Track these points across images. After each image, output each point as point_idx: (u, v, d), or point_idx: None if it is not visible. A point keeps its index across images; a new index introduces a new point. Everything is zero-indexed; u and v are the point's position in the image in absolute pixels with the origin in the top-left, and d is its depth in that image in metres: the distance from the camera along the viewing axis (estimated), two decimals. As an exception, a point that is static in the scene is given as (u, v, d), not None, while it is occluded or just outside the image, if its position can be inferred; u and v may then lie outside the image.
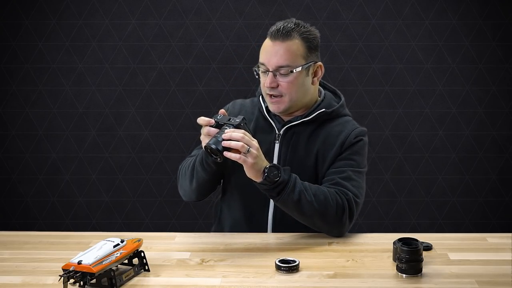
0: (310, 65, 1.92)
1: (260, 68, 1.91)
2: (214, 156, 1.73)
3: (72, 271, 1.42)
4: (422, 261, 1.56)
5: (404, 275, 1.55)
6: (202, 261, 1.66)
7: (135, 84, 3.33)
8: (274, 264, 1.60)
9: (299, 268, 1.59)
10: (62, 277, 1.41)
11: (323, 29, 3.24)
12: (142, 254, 1.59)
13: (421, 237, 1.67)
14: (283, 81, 1.88)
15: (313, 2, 3.25)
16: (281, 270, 1.58)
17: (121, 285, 1.51)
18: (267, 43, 1.90)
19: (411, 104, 3.33)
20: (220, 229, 2.04)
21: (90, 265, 1.42)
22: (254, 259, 1.68)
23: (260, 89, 2.02)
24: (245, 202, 1.95)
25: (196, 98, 3.33)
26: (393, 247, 1.64)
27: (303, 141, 1.93)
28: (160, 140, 3.37)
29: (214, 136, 1.72)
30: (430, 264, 1.62)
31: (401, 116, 3.34)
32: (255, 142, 1.73)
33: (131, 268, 1.56)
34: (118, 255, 1.50)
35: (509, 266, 1.61)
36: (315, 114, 1.94)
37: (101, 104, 3.35)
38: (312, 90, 1.96)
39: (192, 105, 3.33)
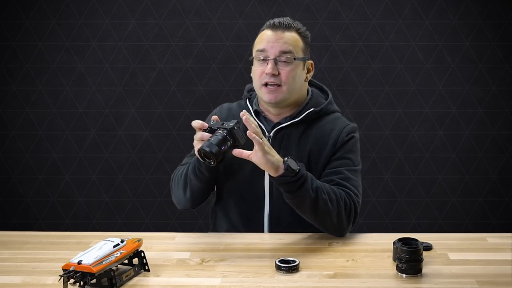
0: (306, 59, 1.93)
1: (258, 56, 1.89)
2: (208, 160, 1.71)
3: (72, 271, 1.42)
4: (422, 261, 1.55)
5: (404, 275, 1.55)
6: (202, 261, 1.66)
7: (135, 84, 3.33)
8: (274, 264, 1.60)
9: (299, 268, 1.59)
10: (62, 277, 1.41)
11: (323, 29, 3.26)
12: (142, 254, 1.59)
13: (421, 237, 1.67)
14: (284, 69, 1.87)
15: (313, 2, 3.25)
16: (281, 270, 1.58)
17: (121, 285, 1.50)
18: (268, 32, 1.91)
19: (411, 104, 3.33)
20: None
21: (90, 265, 1.42)
22: (254, 259, 1.68)
23: (246, 92, 2.02)
24: (241, 206, 1.94)
25: (196, 98, 3.33)
26: (393, 247, 1.64)
27: (294, 142, 1.92)
28: (160, 140, 3.37)
29: (207, 140, 1.71)
30: (430, 264, 1.62)
31: (401, 116, 3.34)
32: (265, 138, 1.73)
33: (131, 268, 1.55)
34: (118, 255, 1.50)
35: (509, 266, 1.61)
36: (304, 114, 1.93)
37: (101, 104, 3.35)
38: (304, 86, 1.97)
39: (192, 105, 3.33)
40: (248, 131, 1.67)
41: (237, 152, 1.72)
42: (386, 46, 3.29)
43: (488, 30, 3.26)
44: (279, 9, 3.24)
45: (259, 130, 1.70)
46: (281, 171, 1.69)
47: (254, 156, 1.69)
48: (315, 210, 1.76)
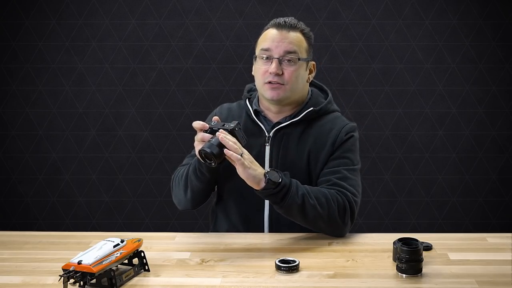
0: (309, 60, 1.93)
1: (262, 55, 1.89)
2: (208, 161, 1.72)
3: (72, 271, 1.42)
4: (422, 261, 1.55)
5: (404, 275, 1.55)
6: (202, 261, 1.66)
7: (135, 84, 3.33)
8: (274, 264, 1.60)
9: (299, 268, 1.59)
10: (62, 277, 1.41)
11: (323, 29, 3.26)
12: (142, 254, 1.59)
13: (421, 237, 1.67)
14: (288, 69, 1.87)
15: (313, 2, 3.25)
16: (281, 270, 1.58)
17: (121, 285, 1.51)
18: (272, 31, 1.90)
19: (411, 104, 3.33)
20: None
21: (90, 265, 1.42)
22: (254, 259, 1.68)
23: (246, 92, 2.02)
24: (241, 207, 1.94)
25: (196, 98, 3.33)
26: (393, 247, 1.64)
27: (293, 142, 1.93)
28: (160, 140, 3.37)
29: (208, 141, 1.72)
30: (430, 264, 1.62)
31: (401, 116, 3.34)
32: (246, 151, 1.74)
33: (131, 268, 1.55)
34: (118, 255, 1.50)
35: (509, 266, 1.61)
36: (304, 113, 1.93)
37: (101, 104, 3.35)
38: (306, 87, 1.97)
39: (192, 105, 3.33)
40: (225, 149, 1.69)
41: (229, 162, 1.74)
42: (386, 46, 3.29)
43: (488, 30, 3.26)
44: (279, 9, 3.24)
45: (237, 145, 1.71)
46: (263, 184, 1.72)
47: (237, 170, 1.71)
48: (305, 216, 1.78)
